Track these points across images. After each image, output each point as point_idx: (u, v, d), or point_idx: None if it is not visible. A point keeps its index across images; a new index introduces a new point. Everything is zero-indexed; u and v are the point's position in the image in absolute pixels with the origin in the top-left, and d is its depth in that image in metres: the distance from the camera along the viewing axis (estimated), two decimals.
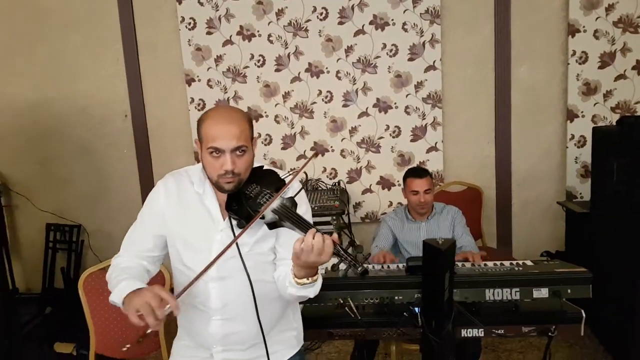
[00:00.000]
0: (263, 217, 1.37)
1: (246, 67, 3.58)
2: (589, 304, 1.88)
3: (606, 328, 2.86)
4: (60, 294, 3.75)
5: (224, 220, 1.46)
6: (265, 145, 3.67)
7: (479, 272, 1.96)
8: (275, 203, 1.36)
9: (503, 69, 3.49)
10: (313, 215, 3.37)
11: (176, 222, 1.49)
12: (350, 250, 1.26)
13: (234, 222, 1.43)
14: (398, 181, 3.66)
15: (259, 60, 3.57)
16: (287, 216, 1.34)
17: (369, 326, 1.91)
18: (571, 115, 3.50)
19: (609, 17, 3.38)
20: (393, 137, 3.62)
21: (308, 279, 1.35)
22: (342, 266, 1.25)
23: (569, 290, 1.85)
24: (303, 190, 1.51)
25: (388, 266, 2.15)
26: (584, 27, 3.40)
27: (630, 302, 2.55)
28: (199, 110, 3.64)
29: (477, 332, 1.90)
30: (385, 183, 3.69)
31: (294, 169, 3.68)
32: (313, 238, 1.23)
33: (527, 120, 3.56)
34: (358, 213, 3.72)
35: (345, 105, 3.60)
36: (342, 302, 1.90)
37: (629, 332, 2.59)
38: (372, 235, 2.98)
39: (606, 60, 3.43)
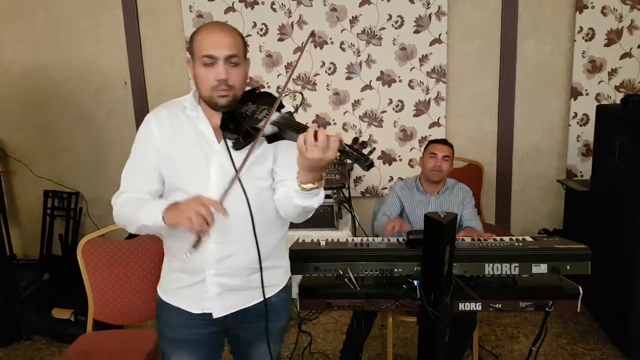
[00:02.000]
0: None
1: (248, 35, 3.51)
2: (585, 282, 1.90)
3: (602, 306, 2.90)
4: (58, 261, 3.77)
5: (219, 142, 1.45)
6: None
7: (479, 247, 1.96)
8: (275, 116, 1.34)
9: (509, 44, 3.44)
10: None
11: (171, 150, 1.47)
12: (355, 146, 1.23)
13: (230, 144, 1.41)
14: (399, 156, 3.64)
15: (261, 29, 3.50)
16: (288, 125, 1.31)
17: (368, 297, 1.92)
18: (575, 93, 3.47)
19: None
20: (396, 112, 3.58)
21: (314, 183, 1.33)
22: (348, 161, 1.24)
23: (567, 267, 1.86)
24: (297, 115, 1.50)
25: (389, 239, 2.15)
26: (592, 2, 3.34)
27: (628, 281, 2.57)
28: None
29: (474, 306, 1.91)
30: (387, 158, 3.67)
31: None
32: (316, 134, 1.21)
33: (530, 96, 3.53)
34: (358, 187, 3.72)
35: (348, 78, 3.55)
36: (341, 273, 1.90)
37: (626, 311, 2.63)
38: (372, 210, 2.99)
39: (612, 37, 3.38)
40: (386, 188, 3.67)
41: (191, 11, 3.50)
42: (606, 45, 3.39)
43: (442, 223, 1.72)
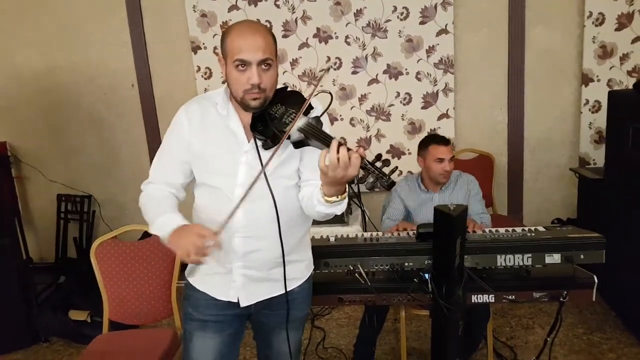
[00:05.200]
0: (289, 137, 1.36)
1: None
2: (600, 271, 1.87)
3: (618, 294, 2.86)
4: (73, 263, 3.81)
5: (249, 142, 1.46)
6: None
7: (491, 239, 1.94)
8: (301, 121, 1.34)
9: (517, 32, 3.39)
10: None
11: (200, 146, 1.49)
12: (377, 164, 1.24)
13: (259, 143, 1.42)
14: (408, 149, 3.62)
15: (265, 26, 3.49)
16: (314, 134, 1.32)
17: (379, 292, 1.92)
18: (586, 80, 3.41)
19: None
20: (404, 105, 3.56)
21: (337, 197, 1.35)
22: (370, 179, 1.25)
23: (581, 256, 1.84)
24: (326, 115, 1.50)
25: (398, 233, 2.14)
26: None
27: None
28: (205, 79, 3.59)
29: (487, 298, 1.90)
30: (396, 152, 3.65)
31: None
32: (338, 152, 1.22)
33: (541, 85, 3.48)
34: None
35: (354, 72, 3.53)
36: (352, 268, 1.90)
37: None
38: (381, 204, 2.97)
39: (623, 21, 3.32)
40: (395, 182, 3.64)
41: (195, 11, 3.50)
42: (617, 29, 3.33)
43: (452, 215, 1.70)
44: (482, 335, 2.49)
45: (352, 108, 3.59)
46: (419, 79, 3.50)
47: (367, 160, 1.24)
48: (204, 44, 3.55)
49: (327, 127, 1.44)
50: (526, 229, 2.02)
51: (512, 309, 3.06)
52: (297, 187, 1.53)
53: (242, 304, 1.56)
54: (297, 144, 1.37)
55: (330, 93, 1.44)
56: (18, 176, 3.90)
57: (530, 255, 1.86)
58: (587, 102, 3.44)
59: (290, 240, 1.53)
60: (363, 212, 3.46)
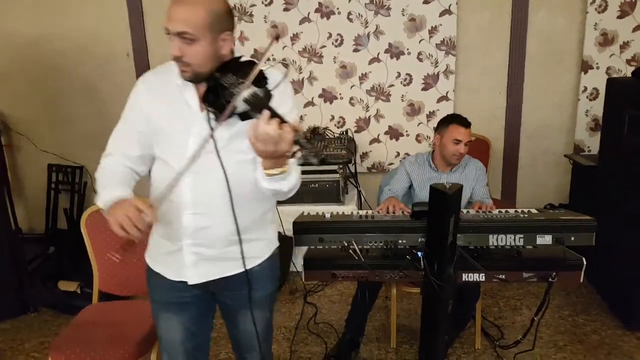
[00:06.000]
0: (236, 108, 1.30)
1: (253, 5, 3.44)
2: (588, 255, 1.88)
3: (605, 279, 2.90)
4: (63, 235, 3.78)
5: (202, 112, 1.42)
6: None
7: (484, 218, 1.95)
8: (248, 92, 1.26)
9: (520, 15, 3.36)
10: (319, 164, 3.31)
11: (157, 115, 1.46)
12: (310, 138, 1.23)
13: (211, 115, 1.38)
14: (407, 131, 3.61)
15: None
16: (260, 106, 1.25)
17: (373, 268, 1.92)
18: (586, 67, 3.40)
19: None
20: (404, 85, 3.53)
21: (277, 170, 1.31)
22: (301, 154, 1.21)
23: (572, 238, 1.85)
24: (289, 87, 1.44)
25: (393, 212, 2.14)
26: None
27: (635, 254, 2.56)
28: None
29: (478, 277, 1.91)
30: (394, 133, 3.63)
31: (302, 116, 3.62)
32: (268, 125, 1.16)
33: (541, 70, 3.47)
34: (365, 163, 3.69)
35: (356, 50, 3.48)
36: (346, 245, 1.90)
37: (629, 283, 2.63)
38: (378, 185, 2.97)
39: (626, 9, 3.30)
40: (392, 164, 3.64)
41: None
42: (619, 17, 3.31)
43: (447, 194, 1.71)
44: (471, 315, 2.52)
45: (352, 87, 3.55)
46: (420, 60, 3.47)
47: (300, 134, 1.19)
48: None
49: (285, 103, 1.36)
50: (519, 210, 2.03)
51: (501, 290, 3.10)
52: (254, 163, 1.44)
53: (190, 282, 1.51)
54: (243, 116, 1.32)
55: (287, 65, 1.39)
56: (8, 145, 3.84)
57: (522, 235, 1.86)
58: (585, 89, 3.44)
59: (245, 217, 1.46)
60: (359, 192, 3.46)
